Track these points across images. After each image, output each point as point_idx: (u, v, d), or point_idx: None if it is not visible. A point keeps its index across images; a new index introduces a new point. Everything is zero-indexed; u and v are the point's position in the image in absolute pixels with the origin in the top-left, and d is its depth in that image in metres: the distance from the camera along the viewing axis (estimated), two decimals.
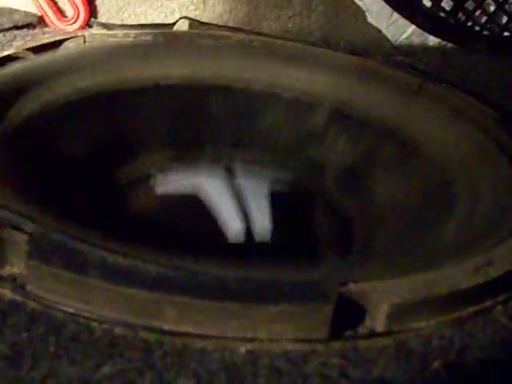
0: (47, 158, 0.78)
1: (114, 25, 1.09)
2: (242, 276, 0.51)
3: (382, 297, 0.51)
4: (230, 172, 0.90)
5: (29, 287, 0.51)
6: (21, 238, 0.52)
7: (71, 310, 0.50)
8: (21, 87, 0.81)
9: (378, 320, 0.51)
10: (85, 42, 0.94)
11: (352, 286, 0.51)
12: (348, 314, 0.51)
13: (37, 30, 1.06)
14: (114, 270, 0.50)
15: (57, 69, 0.86)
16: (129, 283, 0.49)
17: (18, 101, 0.80)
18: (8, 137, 0.74)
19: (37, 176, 0.72)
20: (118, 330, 0.49)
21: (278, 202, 0.85)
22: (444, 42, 1.23)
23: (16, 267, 0.53)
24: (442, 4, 1.22)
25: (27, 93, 0.81)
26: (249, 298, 0.49)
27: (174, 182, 0.89)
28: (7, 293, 0.52)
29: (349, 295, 0.51)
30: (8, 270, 0.53)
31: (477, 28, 1.26)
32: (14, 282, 0.52)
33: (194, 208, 0.84)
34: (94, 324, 0.49)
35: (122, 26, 1.08)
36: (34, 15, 1.08)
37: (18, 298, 0.51)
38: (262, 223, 0.81)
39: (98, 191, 0.82)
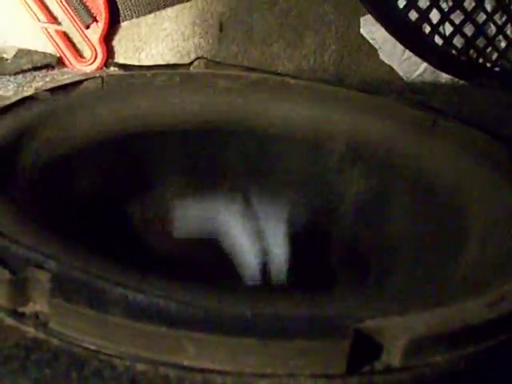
0: (67, 197, 0.79)
1: (131, 65, 1.11)
2: (260, 312, 0.52)
3: (398, 332, 0.51)
4: (246, 208, 0.91)
5: (51, 324, 0.52)
6: (43, 277, 0.53)
7: (93, 347, 0.51)
8: (40, 128, 0.83)
9: (394, 355, 0.51)
10: (103, 82, 0.96)
11: (368, 322, 0.52)
12: (364, 350, 0.51)
13: (56, 71, 1.09)
14: (135, 307, 0.51)
15: (75, 110, 0.88)
16: (149, 320, 0.50)
17: (36, 141, 0.81)
18: (28, 177, 0.76)
19: (57, 216, 0.74)
20: (139, 366, 0.50)
21: (294, 238, 0.86)
22: (456, 79, 1.24)
23: (39, 305, 0.54)
24: (454, 41, 1.24)
25: (46, 133, 0.83)
26: (267, 334, 0.50)
27: (191, 219, 0.90)
28: (30, 330, 0.52)
29: (365, 331, 0.51)
30: (31, 307, 0.54)
31: (488, 64, 1.28)
32: (37, 319, 0.53)
33: (212, 244, 0.85)
34: (116, 360, 0.50)
35: (139, 67, 1.10)
36: (53, 56, 1.11)
37: (41, 335, 0.52)
38: (278, 259, 0.82)
39: (117, 228, 0.84)
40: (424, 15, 1.21)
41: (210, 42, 1.16)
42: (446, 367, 0.52)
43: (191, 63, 1.04)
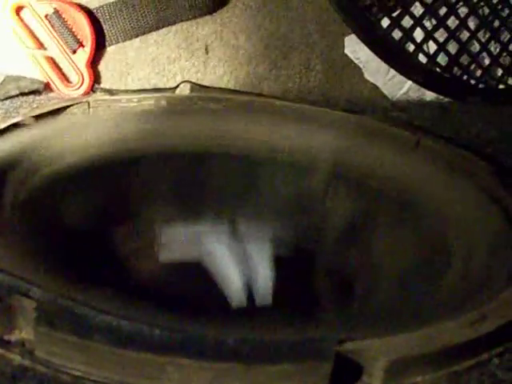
0: (52, 224, 0.80)
1: (117, 90, 1.12)
2: (243, 337, 0.53)
3: (379, 354, 0.52)
4: (231, 232, 0.92)
5: (37, 352, 0.53)
6: (29, 305, 0.54)
7: (79, 374, 0.52)
8: (27, 155, 0.84)
9: (375, 377, 0.52)
10: (89, 107, 0.97)
11: (349, 344, 0.52)
12: (346, 372, 0.52)
13: (43, 96, 1.09)
14: (119, 334, 0.52)
15: (62, 136, 0.89)
16: (133, 347, 0.51)
17: (23, 168, 0.82)
18: (14, 204, 0.77)
19: (42, 243, 0.74)
20: None
21: (278, 262, 0.87)
22: (441, 97, 1.25)
23: (24, 332, 0.54)
24: (438, 59, 1.25)
25: (33, 160, 0.84)
26: (250, 358, 0.51)
27: (176, 244, 0.90)
28: (16, 357, 0.53)
29: (346, 353, 0.52)
30: (16, 334, 0.55)
31: (472, 81, 1.28)
32: (23, 346, 0.54)
33: (197, 269, 0.85)
34: None
35: (125, 92, 1.10)
36: (40, 82, 1.11)
37: (27, 363, 0.53)
38: (262, 283, 0.83)
39: (102, 255, 0.84)
40: (408, 34, 1.22)
41: (196, 64, 1.17)
42: None
43: (177, 87, 1.05)
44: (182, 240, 0.91)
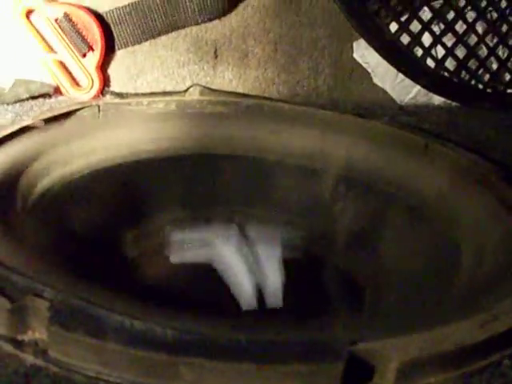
0: (64, 226, 0.80)
1: (127, 93, 1.12)
2: (255, 337, 0.53)
3: (391, 354, 0.52)
4: (241, 235, 0.92)
5: (50, 352, 0.53)
6: (42, 305, 0.54)
7: (91, 374, 0.52)
8: (38, 158, 0.84)
9: (387, 377, 0.52)
10: (99, 110, 0.97)
11: (361, 345, 0.53)
12: (358, 372, 0.52)
13: (53, 100, 1.09)
14: (132, 334, 0.52)
15: (72, 139, 0.89)
16: (146, 347, 0.51)
17: (34, 171, 0.82)
18: (26, 207, 0.77)
19: (54, 245, 0.75)
20: None
21: (289, 266, 0.87)
22: (448, 101, 1.25)
23: (38, 333, 0.54)
24: (446, 64, 1.25)
25: (44, 163, 0.84)
26: (262, 358, 0.51)
27: (188, 248, 0.91)
28: (30, 357, 0.53)
29: (358, 353, 0.52)
30: (30, 335, 0.55)
31: (480, 86, 1.29)
32: (36, 346, 0.54)
33: (208, 271, 0.85)
34: None
35: (135, 95, 1.11)
36: (50, 85, 1.11)
37: (41, 363, 0.53)
38: (273, 287, 0.83)
39: (113, 257, 0.85)
40: (416, 39, 1.22)
41: (205, 68, 1.17)
42: None
43: (186, 90, 1.05)
44: (193, 243, 0.91)
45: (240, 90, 1.18)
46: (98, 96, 1.12)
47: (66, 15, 1.09)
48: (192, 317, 0.57)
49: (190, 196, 0.95)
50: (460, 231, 0.79)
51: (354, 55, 1.25)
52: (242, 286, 0.82)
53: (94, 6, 1.11)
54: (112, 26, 1.12)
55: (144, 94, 1.10)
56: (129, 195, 0.91)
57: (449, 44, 1.25)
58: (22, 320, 0.55)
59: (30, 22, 1.10)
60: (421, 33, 1.23)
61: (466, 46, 1.27)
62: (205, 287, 0.82)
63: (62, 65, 1.11)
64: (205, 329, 0.54)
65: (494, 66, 1.30)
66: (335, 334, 0.58)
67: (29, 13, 1.10)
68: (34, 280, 0.57)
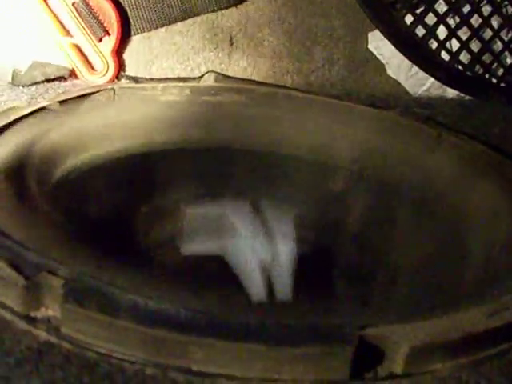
0: (79, 207, 0.81)
1: (142, 78, 1.13)
2: (266, 320, 0.53)
3: (401, 340, 0.53)
4: (253, 223, 0.92)
5: (63, 329, 0.54)
6: (56, 282, 0.55)
7: (104, 351, 0.52)
8: (53, 139, 0.85)
9: (396, 362, 0.53)
10: (114, 94, 0.97)
11: (371, 330, 0.53)
12: (367, 357, 0.52)
13: (68, 83, 1.10)
14: (145, 313, 0.53)
15: (87, 121, 0.90)
16: (158, 326, 0.52)
17: (50, 152, 0.83)
18: (41, 187, 0.77)
19: (68, 226, 0.75)
20: (148, 370, 0.51)
21: (299, 255, 0.87)
22: (462, 94, 1.25)
23: (51, 310, 0.55)
24: (460, 57, 1.25)
25: (59, 144, 0.85)
26: (273, 340, 0.51)
27: (200, 234, 0.91)
28: (43, 334, 0.54)
29: (368, 338, 0.52)
30: (43, 312, 0.55)
31: (494, 80, 1.29)
32: (49, 323, 0.55)
33: (220, 256, 0.86)
34: (126, 364, 0.52)
35: (150, 80, 1.11)
36: (66, 68, 1.12)
37: (53, 339, 0.53)
38: (285, 271, 0.83)
39: (127, 239, 0.85)
40: (431, 31, 1.22)
41: (220, 56, 1.18)
42: (447, 375, 0.53)
43: (201, 77, 1.05)
44: (205, 227, 0.92)
45: (254, 78, 1.18)
46: (113, 80, 1.12)
47: None
48: (204, 298, 0.58)
49: (202, 183, 0.96)
50: (471, 222, 0.79)
51: (369, 46, 1.25)
52: (254, 271, 0.83)
53: None
54: (128, 11, 1.12)
55: (160, 80, 1.11)
56: (143, 180, 0.92)
57: (464, 37, 1.25)
58: (36, 297, 0.55)
59: (48, 5, 1.10)
60: (436, 25, 1.23)
61: (481, 39, 1.27)
62: (218, 270, 0.83)
63: (78, 48, 1.12)
64: (217, 310, 0.55)
65: (509, 61, 1.30)
66: (345, 318, 0.59)
67: None
68: (49, 257, 0.58)
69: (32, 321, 0.55)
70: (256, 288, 0.82)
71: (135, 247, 0.85)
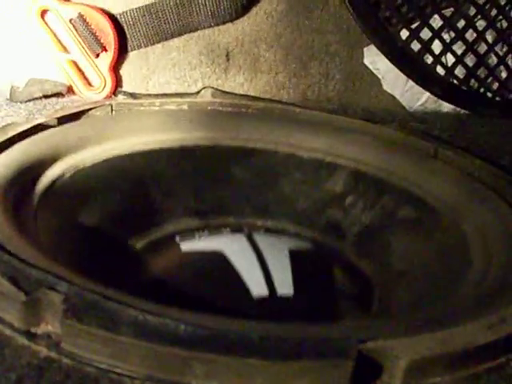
0: (77, 225, 0.81)
1: (139, 94, 1.13)
2: (266, 334, 0.54)
3: (399, 353, 0.53)
4: (251, 236, 0.92)
5: (63, 344, 0.54)
6: (56, 298, 0.55)
7: (104, 367, 0.52)
8: (50, 155, 0.85)
9: (395, 376, 0.53)
10: (112, 110, 0.98)
11: (370, 343, 0.53)
12: (367, 370, 0.53)
13: (66, 99, 1.11)
14: (145, 328, 0.53)
15: (84, 137, 0.90)
16: (159, 341, 0.52)
17: (47, 168, 0.83)
18: (39, 203, 0.78)
19: (68, 240, 0.75)
20: None
21: (299, 263, 0.87)
22: (457, 109, 1.26)
23: (51, 325, 0.55)
24: (455, 72, 1.26)
25: (57, 161, 0.85)
26: (272, 354, 0.52)
27: (197, 245, 0.91)
28: (43, 350, 0.54)
29: (367, 352, 0.53)
30: (43, 327, 0.55)
31: (489, 94, 1.29)
32: (50, 339, 0.55)
33: (218, 269, 0.86)
34: (126, 380, 0.52)
35: (148, 96, 1.12)
36: (63, 85, 1.12)
37: (54, 355, 0.53)
38: (284, 284, 0.83)
39: (124, 254, 0.85)
40: (426, 46, 1.23)
41: (217, 71, 1.18)
42: None
43: (198, 92, 1.06)
44: (202, 235, 0.92)
45: (251, 93, 1.19)
46: (111, 96, 1.13)
47: (81, 16, 1.10)
48: (204, 312, 0.58)
49: (200, 194, 0.96)
50: (468, 234, 0.79)
51: (365, 61, 1.26)
52: (253, 281, 0.83)
53: (108, 8, 1.12)
54: (125, 27, 1.13)
55: (156, 95, 1.11)
56: (139, 194, 0.92)
57: (459, 52, 1.26)
58: (36, 313, 0.55)
59: (45, 21, 1.11)
60: (431, 40, 1.24)
61: (476, 54, 1.28)
62: (217, 283, 0.83)
63: (76, 65, 1.12)
64: (217, 324, 0.55)
65: (504, 75, 1.31)
66: (345, 332, 0.59)
67: (44, 12, 1.11)
68: (48, 273, 0.58)
69: (32, 337, 0.55)
70: (256, 300, 0.82)
71: (132, 259, 0.85)
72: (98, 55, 1.12)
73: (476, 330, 0.57)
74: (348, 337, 0.54)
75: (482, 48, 1.29)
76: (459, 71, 1.26)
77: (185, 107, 1.01)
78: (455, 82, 1.26)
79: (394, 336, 0.55)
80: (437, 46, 1.25)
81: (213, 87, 1.06)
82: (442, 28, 1.24)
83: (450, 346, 0.54)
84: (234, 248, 0.89)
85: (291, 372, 0.51)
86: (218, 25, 1.16)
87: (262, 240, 0.90)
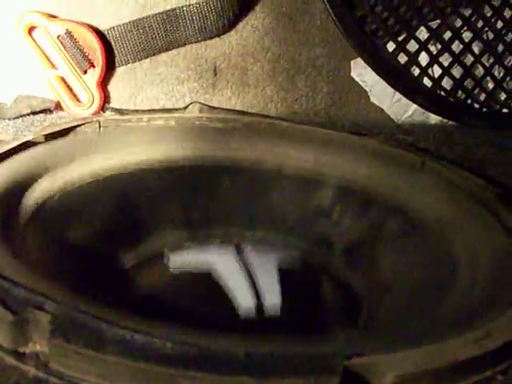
0: (64, 244, 0.81)
1: (127, 110, 1.13)
2: (252, 351, 0.54)
3: (386, 369, 0.53)
4: (239, 247, 0.93)
5: (51, 364, 0.54)
6: (44, 318, 0.55)
7: None
8: (38, 172, 0.85)
9: None
10: (100, 126, 0.98)
11: (356, 360, 0.53)
12: None
13: (54, 115, 1.11)
14: (132, 347, 0.53)
15: (72, 154, 0.90)
16: (146, 359, 0.52)
17: (35, 186, 0.83)
18: (27, 222, 0.78)
19: (55, 259, 0.75)
20: None
21: (286, 277, 0.87)
22: (445, 120, 1.27)
23: (39, 345, 0.55)
24: (442, 83, 1.26)
25: (44, 179, 0.85)
26: (258, 372, 0.52)
27: (184, 261, 0.91)
28: (31, 369, 0.54)
29: (354, 368, 0.53)
30: (31, 347, 0.55)
31: (476, 105, 1.30)
32: (38, 359, 0.55)
33: (205, 285, 0.86)
34: None
35: (135, 112, 1.12)
36: (51, 101, 1.13)
37: (42, 375, 0.53)
38: (271, 299, 0.83)
39: (112, 271, 0.85)
40: (413, 58, 1.23)
41: (205, 86, 1.19)
42: None
43: (186, 107, 1.06)
44: (190, 253, 0.92)
45: (239, 107, 1.19)
46: (99, 112, 1.13)
47: (68, 32, 1.10)
48: (191, 330, 0.58)
49: (187, 209, 0.96)
50: (455, 247, 0.80)
51: (352, 74, 1.27)
52: (240, 297, 0.83)
53: (95, 24, 1.12)
54: (113, 43, 1.13)
55: (144, 111, 1.12)
56: (128, 209, 0.92)
57: (445, 63, 1.27)
58: (24, 332, 0.55)
59: (33, 38, 1.11)
60: (418, 52, 1.24)
61: (463, 65, 1.28)
62: (204, 300, 0.83)
63: (63, 81, 1.13)
64: (204, 342, 0.55)
65: (490, 86, 1.32)
66: (331, 348, 0.59)
67: (31, 29, 1.11)
68: (36, 293, 0.58)
69: (20, 356, 0.55)
70: (243, 315, 0.82)
71: (120, 278, 0.85)
72: (85, 71, 1.12)
73: (462, 345, 0.57)
74: (334, 353, 0.54)
75: (469, 59, 1.29)
76: (446, 83, 1.27)
77: (172, 123, 1.01)
78: (442, 93, 1.27)
79: (380, 351, 0.55)
80: (424, 58, 1.25)
81: (200, 102, 1.07)
82: (428, 40, 1.25)
83: (437, 361, 0.55)
84: (221, 261, 0.89)
85: None
86: (205, 39, 1.17)
87: (250, 254, 0.91)
